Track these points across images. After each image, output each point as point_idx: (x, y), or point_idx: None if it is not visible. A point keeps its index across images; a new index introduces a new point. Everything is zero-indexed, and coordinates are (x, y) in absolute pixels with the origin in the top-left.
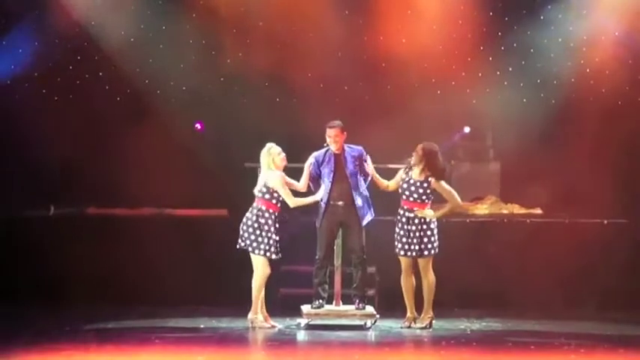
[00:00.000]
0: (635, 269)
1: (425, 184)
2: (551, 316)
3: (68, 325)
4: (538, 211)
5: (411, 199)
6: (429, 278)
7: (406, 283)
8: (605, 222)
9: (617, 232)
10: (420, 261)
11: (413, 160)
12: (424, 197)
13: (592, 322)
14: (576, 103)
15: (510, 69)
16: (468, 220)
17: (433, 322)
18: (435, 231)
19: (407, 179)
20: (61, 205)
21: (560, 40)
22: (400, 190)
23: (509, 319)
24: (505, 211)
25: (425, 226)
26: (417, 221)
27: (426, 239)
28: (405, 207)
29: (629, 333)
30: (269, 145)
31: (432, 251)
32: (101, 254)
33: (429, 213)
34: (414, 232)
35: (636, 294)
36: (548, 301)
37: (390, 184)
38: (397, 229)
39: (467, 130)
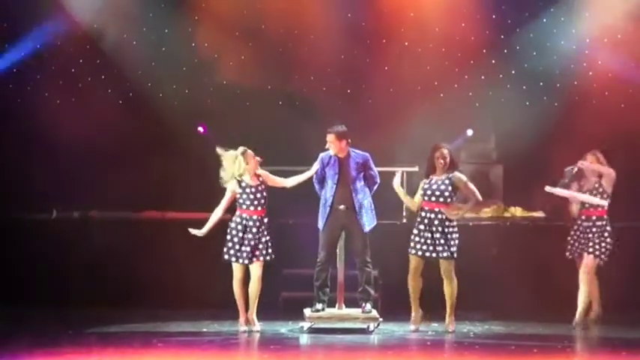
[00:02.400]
0: (638, 271)
1: (447, 182)
2: (554, 319)
3: (70, 328)
4: (540, 214)
5: (433, 198)
6: (454, 282)
7: (415, 283)
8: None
9: (620, 234)
10: (443, 263)
11: (443, 165)
12: (448, 197)
13: (595, 325)
14: (579, 105)
15: (513, 72)
16: (470, 224)
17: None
18: (457, 234)
19: (429, 182)
20: (64, 208)
21: (562, 42)
22: (423, 194)
23: (511, 323)
24: (507, 215)
25: (447, 229)
26: (436, 222)
27: (450, 241)
28: (427, 208)
29: (631, 336)
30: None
31: (454, 254)
32: (104, 257)
33: (452, 214)
34: (435, 234)
35: (639, 296)
36: (551, 304)
37: (417, 201)
38: (416, 231)
39: (470, 132)
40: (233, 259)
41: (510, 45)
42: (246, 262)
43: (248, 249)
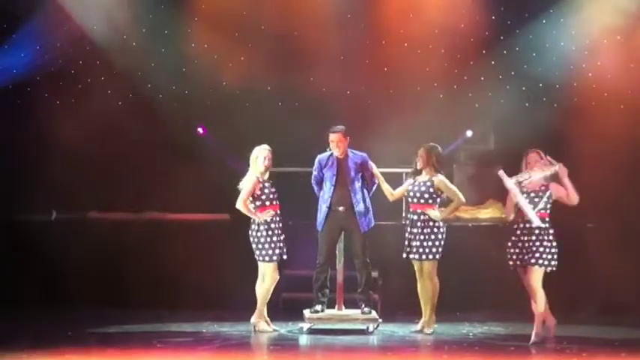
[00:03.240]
0: (636, 272)
1: (429, 184)
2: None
3: (70, 329)
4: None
5: (414, 200)
6: (433, 283)
7: (421, 287)
8: (606, 226)
9: (618, 236)
10: (424, 264)
11: (419, 164)
12: (429, 198)
13: (593, 326)
14: (578, 107)
15: (513, 73)
16: (470, 225)
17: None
18: (440, 236)
19: (413, 183)
20: (63, 209)
21: (562, 43)
22: (407, 196)
23: (511, 324)
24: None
25: (428, 230)
26: (419, 224)
27: (430, 242)
28: (411, 210)
29: (630, 337)
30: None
31: (433, 256)
32: (103, 259)
33: (434, 214)
34: (417, 235)
35: (637, 297)
36: (550, 305)
37: (395, 193)
38: (406, 234)
39: (469, 133)
40: (285, 256)
41: (510, 46)
42: (285, 257)
43: (283, 244)
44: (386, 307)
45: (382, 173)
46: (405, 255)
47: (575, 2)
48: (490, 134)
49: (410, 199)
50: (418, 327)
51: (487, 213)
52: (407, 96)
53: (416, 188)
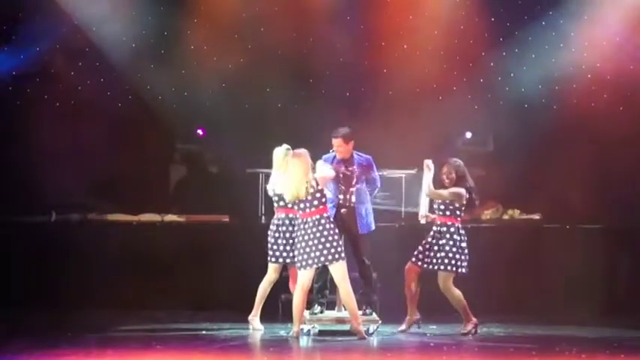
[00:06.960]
0: (636, 274)
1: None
2: (553, 321)
3: (70, 330)
4: (538, 216)
5: (439, 213)
6: (449, 294)
7: (410, 289)
8: (606, 228)
9: (618, 237)
10: (438, 275)
11: (447, 180)
12: (451, 209)
13: (593, 328)
14: (578, 108)
15: (512, 74)
16: (469, 226)
17: (478, 327)
18: (457, 249)
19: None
20: (63, 211)
21: (561, 45)
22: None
23: (510, 325)
24: (506, 217)
25: (451, 242)
26: (448, 235)
27: (450, 254)
28: (439, 222)
29: (630, 338)
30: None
31: (449, 267)
32: (102, 260)
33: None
34: (444, 246)
35: (637, 299)
36: (550, 306)
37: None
38: (424, 241)
39: (468, 135)
40: (287, 260)
41: (509, 48)
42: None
43: (288, 249)
44: (386, 309)
45: (382, 176)
46: (420, 263)
47: (575, 4)
48: (489, 136)
49: (437, 212)
50: (404, 326)
51: (486, 214)
52: (406, 98)
53: (440, 200)
